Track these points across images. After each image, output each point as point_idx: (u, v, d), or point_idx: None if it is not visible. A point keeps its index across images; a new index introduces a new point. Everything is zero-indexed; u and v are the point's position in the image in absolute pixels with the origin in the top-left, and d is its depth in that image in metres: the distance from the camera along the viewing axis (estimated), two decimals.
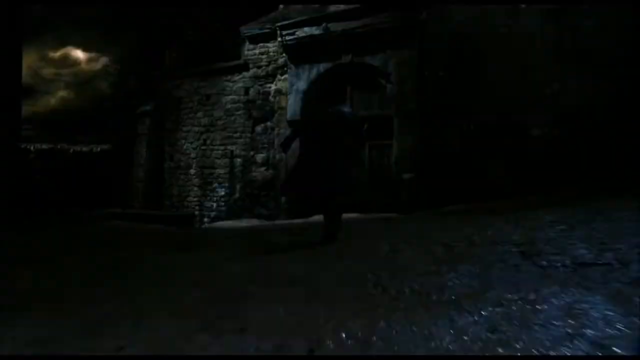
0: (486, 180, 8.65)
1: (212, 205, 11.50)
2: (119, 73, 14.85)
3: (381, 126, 9.24)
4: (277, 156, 10.34)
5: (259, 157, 10.79)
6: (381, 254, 4.02)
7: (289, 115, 10.01)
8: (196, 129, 11.86)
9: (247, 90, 11.07)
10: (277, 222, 9.37)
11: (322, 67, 9.67)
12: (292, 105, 9.96)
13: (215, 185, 11.48)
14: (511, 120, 8.65)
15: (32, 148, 16.26)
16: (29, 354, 2.40)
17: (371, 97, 9.34)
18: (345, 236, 5.25)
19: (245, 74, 11.13)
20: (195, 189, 11.79)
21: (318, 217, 9.84)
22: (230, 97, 11.32)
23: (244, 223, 9.60)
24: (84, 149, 15.19)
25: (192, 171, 11.86)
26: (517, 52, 8.61)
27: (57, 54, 23.91)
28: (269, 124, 10.74)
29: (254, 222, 10.00)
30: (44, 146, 16.36)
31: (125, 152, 12.88)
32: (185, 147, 12.02)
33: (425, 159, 8.72)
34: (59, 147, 16.17)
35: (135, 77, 13.74)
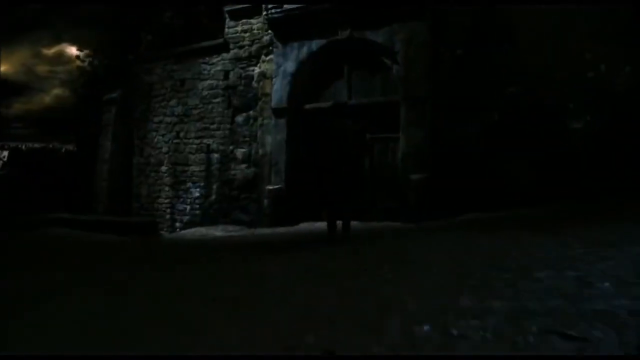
0: (509, 182, 7.00)
1: (186, 208, 9.77)
2: (90, 60, 13.10)
3: (385, 116, 7.56)
4: (260, 151, 8.62)
5: (239, 152, 9.08)
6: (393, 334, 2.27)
7: (274, 102, 8.30)
8: (169, 119, 10.12)
9: (226, 74, 9.34)
10: (259, 230, 7.67)
11: (315, 44, 7.97)
12: (277, 90, 8.25)
13: (189, 184, 9.74)
14: (545, 110, 7.01)
15: (23, 147, 15.31)
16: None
17: (373, 81, 7.64)
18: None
19: (225, 55, 9.40)
20: (167, 189, 10.05)
21: (305, 225, 8.14)
22: (208, 82, 9.59)
23: (218, 231, 7.90)
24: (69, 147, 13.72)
25: (164, 168, 10.13)
26: (554, 30, 6.99)
27: (52, 51, 22.31)
28: (251, 113, 9.02)
29: (232, 229, 8.29)
30: (36, 145, 15.42)
31: (91, 147, 11.12)
32: (156, 140, 10.28)
33: (438, 156, 7.05)
34: (50, 146, 15.31)
35: (104, 63, 11.98)
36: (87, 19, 15.18)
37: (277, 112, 8.16)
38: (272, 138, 8.24)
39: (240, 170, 9.02)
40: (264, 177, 8.47)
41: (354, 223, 6.51)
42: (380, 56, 7.46)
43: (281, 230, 7.26)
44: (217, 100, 9.44)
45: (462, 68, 7.15)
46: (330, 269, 3.29)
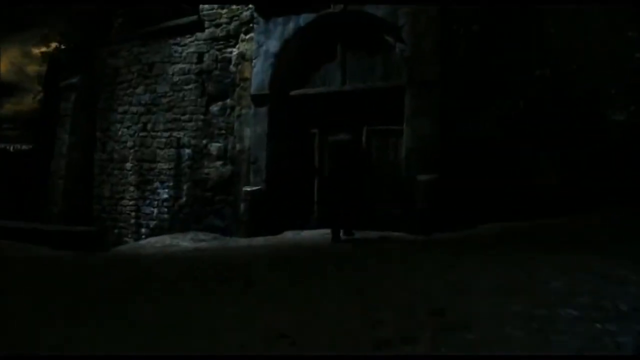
0: (536, 185, 5.74)
1: (153, 212, 8.37)
2: (57, 45, 11.59)
3: (386, 104, 6.25)
4: (238, 146, 7.27)
5: (214, 147, 7.71)
6: None
7: (253, 88, 6.95)
8: (135, 109, 8.70)
9: (200, 57, 7.96)
10: (234, 240, 6.31)
11: (302, 19, 6.62)
12: (258, 73, 6.90)
13: (157, 184, 8.35)
14: (579, 98, 5.76)
15: (11, 149, 14.06)
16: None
17: (372, 62, 6.30)
18: None
19: (199, 35, 8.01)
20: (132, 189, 8.64)
21: (290, 235, 6.77)
22: (179, 66, 8.20)
23: (186, 241, 6.52)
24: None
25: (129, 165, 8.71)
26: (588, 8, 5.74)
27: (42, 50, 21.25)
28: (228, 101, 7.65)
29: (203, 238, 6.91)
30: (24, 147, 14.10)
31: (49, 141, 9.67)
32: (120, 133, 8.86)
33: (450, 153, 5.75)
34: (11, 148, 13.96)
35: (69, 47, 10.50)
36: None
37: (257, 100, 6.81)
38: (251, 130, 6.89)
39: (214, 168, 7.65)
40: (242, 177, 7.11)
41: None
42: (380, 33, 6.14)
43: (260, 240, 5.92)
44: (189, 87, 8.05)
45: (478, 47, 5.85)
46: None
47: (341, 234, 5.54)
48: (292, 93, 6.73)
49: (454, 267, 3.18)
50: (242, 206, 6.66)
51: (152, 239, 6.88)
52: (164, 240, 6.57)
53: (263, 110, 6.75)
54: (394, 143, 6.09)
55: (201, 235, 7.14)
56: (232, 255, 4.58)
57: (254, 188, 6.61)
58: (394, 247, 4.36)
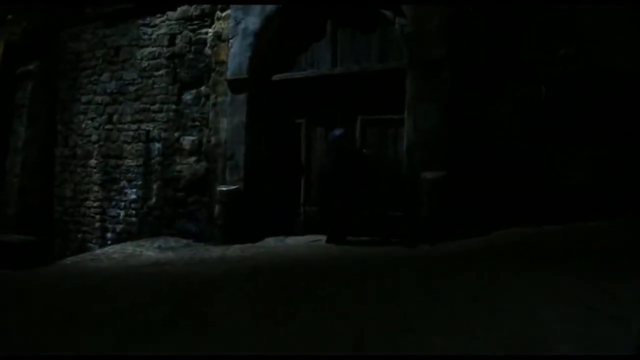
0: (561, 185, 4.88)
1: (119, 214, 7.37)
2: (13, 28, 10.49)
3: (384, 90, 5.34)
4: (213, 139, 6.30)
5: (187, 141, 6.73)
6: None
7: (230, 72, 5.97)
8: (99, 98, 7.68)
9: (172, 39, 6.95)
10: (206, 250, 5.35)
11: None
12: (236, 55, 5.93)
13: (124, 183, 7.34)
14: (615, 84, 4.88)
15: None
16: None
17: (367, 41, 5.32)
18: None
19: (171, 14, 7.00)
20: (97, 188, 7.63)
21: (272, 242, 5.78)
22: (149, 49, 7.19)
23: (152, 250, 5.53)
24: None
25: (93, 162, 7.69)
26: None
27: None
28: (202, 89, 6.66)
29: (174, 245, 5.95)
30: None
31: (3, 135, 8.60)
32: (84, 125, 7.82)
33: (460, 147, 4.86)
34: None
35: (27, 29, 9.42)
36: None
37: (235, 85, 5.85)
38: (227, 121, 5.93)
39: (187, 165, 6.68)
40: (218, 174, 6.14)
41: (333, 251, 4.40)
42: (377, 6, 5.22)
43: (236, 249, 4.97)
44: (159, 72, 7.05)
45: (494, 21, 4.97)
46: None
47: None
48: (275, 77, 5.77)
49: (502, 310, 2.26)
50: (216, 209, 5.70)
51: (111, 248, 5.88)
52: (126, 249, 5.59)
53: (241, 97, 5.78)
54: (393, 134, 5.17)
55: (172, 242, 6.18)
56: (196, 273, 3.63)
57: (230, 187, 5.65)
58: (399, 263, 3.43)
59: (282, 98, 5.75)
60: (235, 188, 5.63)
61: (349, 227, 5.00)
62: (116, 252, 5.42)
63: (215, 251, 5.03)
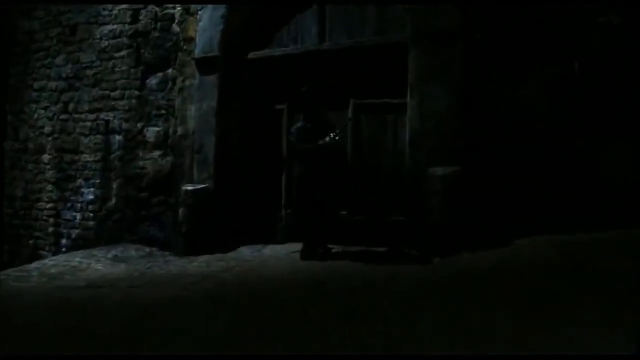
0: (601, 182, 4.00)
1: (75, 218, 6.34)
2: None
3: (381, 69, 4.43)
4: (180, 130, 5.32)
5: (151, 132, 5.73)
6: None
7: (199, 50, 4.99)
8: (54, 84, 6.65)
9: (135, 15, 5.93)
10: (166, 263, 4.36)
11: None
12: (206, 29, 4.94)
13: (81, 182, 6.32)
14: None
15: None
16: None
17: (362, 10, 4.38)
18: None
19: None
20: (50, 188, 6.59)
21: (248, 252, 4.61)
22: (109, 27, 6.16)
23: (103, 263, 4.48)
24: None
25: (47, 157, 6.66)
26: None
27: None
28: (170, 72, 5.66)
29: (132, 256, 4.97)
30: None
31: None
32: (37, 116, 6.77)
33: (476, 135, 3.98)
34: None
35: None
36: None
37: (204, 65, 4.87)
38: (195, 108, 4.98)
39: (151, 161, 5.69)
40: (186, 171, 5.18)
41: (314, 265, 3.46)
42: None
43: (202, 263, 4.01)
44: (121, 54, 6.03)
45: None
46: None
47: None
48: (252, 55, 4.81)
49: None
50: (180, 212, 4.73)
51: (52, 261, 4.87)
52: (71, 261, 4.59)
53: (211, 79, 4.81)
54: (393, 122, 4.24)
55: (132, 251, 5.20)
56: (135, 303, 2.68)
57: (198, 187, 4.69)
58: (408, 295, 2.51)
59: (260, 80, 4.80)
60: (204, 187, 4.67)
61: (329, 236, 4.07)
62: (58, 266, 4.43)
63: (176, 265, 4.07)
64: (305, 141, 3.90)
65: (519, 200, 3.81)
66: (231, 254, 4.40)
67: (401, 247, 3.94)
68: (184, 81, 5.31)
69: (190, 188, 4.65)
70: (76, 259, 4.69)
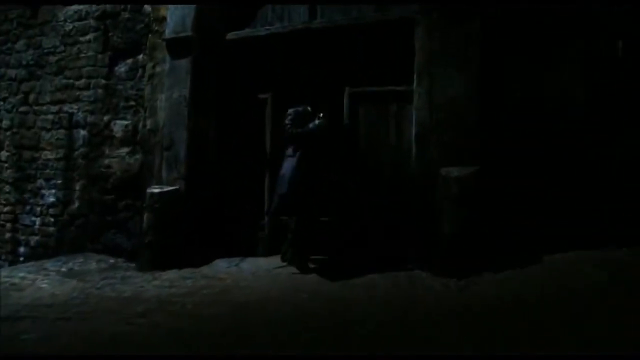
0: None
1: (35, 223, 5.56)
2: None
3: (383, 49, 3.76)
4: (149, 123, 4.58)
5: (119, 126, 5.00)
6: None
7: (170, 29, 4.25)
8: (13, 72, 5.86)
9: None
10: (125, 283, 3.61)
11: None
12: (177, 7, 4.16)
13: (41, 182, 5.56)
14: None
15: None
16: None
17: None
18: None
19: None
20: (8, 189, 5.82)
21: (224, 265, 3.90)
22: (73, 8, 5.37)
23: (51, 279, 3.68)
24: None
25: (4, 154, 5.88)
26: None
27: None
28: (140, 58, 4.93)
29: (91, 269, 4.23)
30: None
31: None
32: None
33: (499, 130, 3.31)
34: None
35: None
36: None
37: (175, 47, 4.15)
38: (165, 97, 4.26)
39: (118, 159, 4.96)
40: (156, 171, 4.47)
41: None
42: None
43: (166, 281, 3.29)
44: (87, 38, 5.30)
45: None
46: None
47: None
48: (231, 36, 4.09)
49: None
50: (145, 219, 4.00)
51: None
52: (14, 276, 3.81)
53: (183, 63, 4.09)
54: (396, 114, 3.56)
55: (92, 263, 4.47)
56: (55, 343, 1.98)
57: (166, 189, 3.96)
58: (415, 327, 1.82)
59: (241, 64, 4.09)
60: (173, 190, 3.94)
61: (313, 245, 3.43)
62: (8, 279, 3.67)
63: (134, 282, 3.35)
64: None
65: (543, 206, 3.15)
66: (204, 269, 3.68)
67: (407, 262, 3.25)
68: (154, 67, 4.59)
69: (156, 190, 3.93)
70: (20, 273, 3.95)
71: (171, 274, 3.53)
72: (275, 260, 3.70)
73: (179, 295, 2.83)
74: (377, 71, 3.61)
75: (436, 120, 3.20)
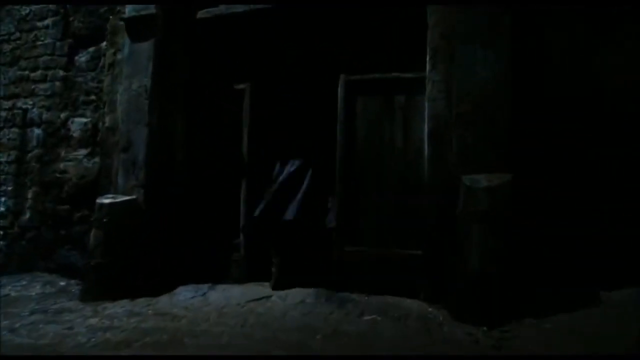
0: None
1: None
2: None
3: (386, 26, 3.02)
4: (108, 120, 3.83)
5: (77, 124, 4.24)
6: None
7: (130, 7, 3.53)
8: None
9: None
10: (55, 320, 2.81)
11: None
12: None
13: None
14: None
15: None
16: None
17: None
18: None
19: None
20: None
21: (188, 295, 3.18)
22: None
23: None
24: None
25: None
26: None
27: None
28: (103, 45, 4.23)
29: (35, 294, 3.49)
30: None
31: None
32: None
33: (535, 129, 2.60)
34: None
35: None
36: None
37: (136, 27, 3.40)
38: (123, 88, 3.52)
39: (75, 162, 4.19)
40: (113, 177, 3.72)
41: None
42: None
43: (109, 316, 2.51)
44: (44, 23, 4.56)
45: None
46: None
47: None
48: (202, 14, 3.33)
49: None
50: (92, 236, 3.23)
51: None
52: None
53: (145, 47, 3.34)
54: (403, 107, 2.82)
55: (37, 286, 3.71)
56: None
57: (120, 199, 3.20)
58: None
59: (214, 48, 3.35)
60: (128, 200, 3.18)
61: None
62: None
63: (66, 321, 2.57)
64: None
65: (599, 227, 2.40)
66: (162, 299, 2.92)
67: (416, 292, 2.50)
68: (115, 54, 3.84)
69: (106, 201, 3.16)
70: None
71: (118, 308, 2.76)
72: (252, 289, 2.95)
73: (110, 346, 2.07)
74: (379, 54, 2.87)
75: (457, 114, 2.45)
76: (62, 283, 3.86)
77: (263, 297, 2.78)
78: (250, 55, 3.23)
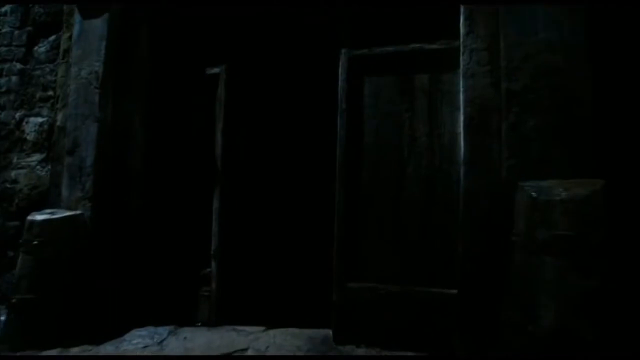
0: None
1: None
2: None
3: None
4: (60, 118, 3.17)
5: (32, 125, 3.53)
6: None
7: None
8: None
9: None
10: None
11: None
12: None
13: None
14: None
15: None
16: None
17: None
18: None
19: None
20: None
21: (139, 347, 2.55)
22: None
23: None
24: None
25: None
26: None
27: None
28: (64, 35, 3.61)
29: None
30: None
31: None
32: None
33: (623, 118, 1.84)
34: None
35: None
36: None
37: (87, 0, 2.76)
38: (72, 76, 2.82)
39: (27, 170, 3.47)
40: (64, 186, 3.00)
41: None
42: None
43: None
44: (3, 10, 3.92)
45: None
46: None
47: None
48: None
49: None
50: (18, 262, 2.49)
51: None
52: None
53: (97, 25, 2.64)
54: (427, 91, 2.07)
55: None
56: None
57: (58, 215, 2.44)
58: None
59: (181, 24, 2.65)
60: (70, 217, 2.43)
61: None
62: None
63: None
64: None
65: None
66: (106, 348, 2.16)
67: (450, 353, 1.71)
68: (70, 38, 3.16)
69: (39, 217, 2.41)
70: None
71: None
72: (223, 335, 2.18)
73: None
74: (391, 20, 2.12)
75: (508, 92, 1.68)
76: (2, 317, 3.13)
77: (236, 351, 2.01)
78: (226, 29, 2.50)
